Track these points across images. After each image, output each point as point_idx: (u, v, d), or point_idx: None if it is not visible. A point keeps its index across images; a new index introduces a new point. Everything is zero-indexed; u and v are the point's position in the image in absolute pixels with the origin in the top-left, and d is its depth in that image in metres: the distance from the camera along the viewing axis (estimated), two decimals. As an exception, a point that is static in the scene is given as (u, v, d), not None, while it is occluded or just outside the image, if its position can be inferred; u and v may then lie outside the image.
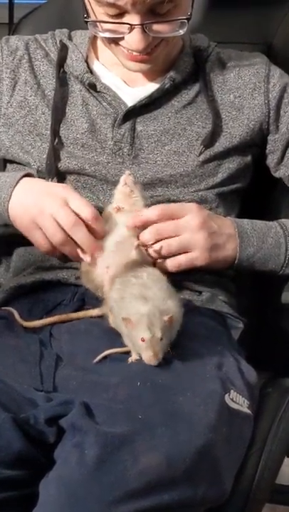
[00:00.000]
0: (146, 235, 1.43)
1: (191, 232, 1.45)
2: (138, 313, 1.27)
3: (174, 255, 1.45)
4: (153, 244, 1.43)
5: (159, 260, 1.45)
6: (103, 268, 1.41)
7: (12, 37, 1.67)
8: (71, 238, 1.40)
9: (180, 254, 1.46)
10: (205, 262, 1.47)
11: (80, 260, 1.43)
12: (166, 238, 1.44)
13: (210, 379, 1.30)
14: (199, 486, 1.17)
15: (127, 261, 1.40)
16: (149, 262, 1.43)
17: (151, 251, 1.44)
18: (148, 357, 1.26)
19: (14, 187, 1.46)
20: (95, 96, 1.58)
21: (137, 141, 1.56)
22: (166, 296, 1.31)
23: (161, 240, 1.44)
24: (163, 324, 1.26)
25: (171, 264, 1.45)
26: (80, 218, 1.40)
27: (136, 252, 1.41)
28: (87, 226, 1.40)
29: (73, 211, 1.40)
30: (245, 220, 1.55)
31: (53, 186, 1.47)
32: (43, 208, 1.41)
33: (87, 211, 1.40)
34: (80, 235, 1.40)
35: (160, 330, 1.26)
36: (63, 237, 1.40)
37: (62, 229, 1.39)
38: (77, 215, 1.40)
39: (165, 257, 1.45)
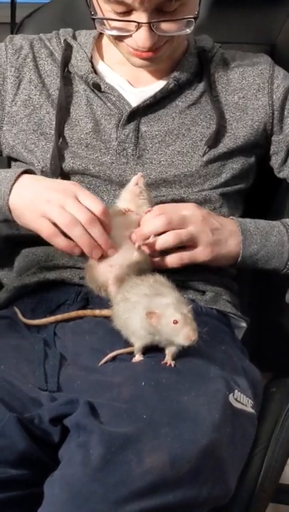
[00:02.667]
0: (157, 223, 1.43)
1: (196, 225, 1.46)
2: (161, 304, 1.27)
3: (175, 251, 1.45)
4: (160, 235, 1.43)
5: (156, 258, 1.44)
6: (106, 267, 1.41)
7: (16, 36, 1.67)
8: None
9: (182, 249, 1.46)
10: (208, 257, 1.47)
11: (82, 254, 1.40)
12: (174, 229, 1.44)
13: (214, 379, 1.30)
14: (204, 485, 1.17)
15: (130, 262, 1.40)
16: (151, 262, 1.43)
17: (157, 242, 1.43)
18: (187, 333, 1.25)
19: (15, 181, 1.44)
20: (100, 96, 1.58)
21: (141, 141, 1.57)
22: (179, 295, 1.31)
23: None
24: (189, 309, 1.26)
25: (173, 259, 1.45)
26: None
27: (138, 252, 1.41)
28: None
29: (83, 205, 1.38)
30: (248, 219, 1.55)
31: (62, 182, 1.46)
32: (50, 199, 1.39)
33: (97, 206, 1.39)
34: (96, 231, 1.38)
35: (189, 312, 1.26)
36: (71, 218, 1.36)
37: (71, 213, 1.37)
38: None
39: (168, 252, 1.44)
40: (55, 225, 1.38)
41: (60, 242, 1.39)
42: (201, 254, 1.47)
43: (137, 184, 1.46)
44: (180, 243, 1.45)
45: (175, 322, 1.25)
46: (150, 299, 1.29)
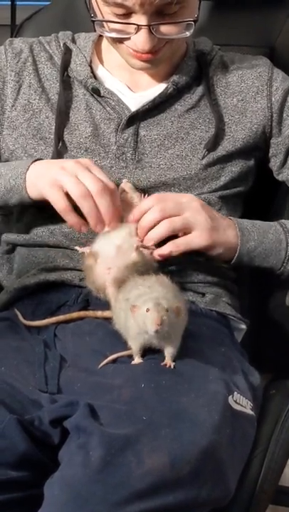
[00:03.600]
0: (152, 212, 1.43)
1: (193, 211, 1.46)
2: (144, 298, 1.28)
3: (173, 238, 1.45)
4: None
5: (156, 254, 1.44)
6: (104, 270, 1.42)
7: (16, 39, 1.67)
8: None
9: (179, 236, 1.46)
10: (205, 242, 1.46)
11: (88, 227, 1.43)
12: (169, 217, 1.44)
13: (213, 380, 1.30)
14: (203, 486, 1.17)
15: (128, 263, 1.40)
16: (150, 263, 1.43)
17: (152, 234, 1.43)
18: (151, 319, 1.25)
19: (32, 162, 1.49)
20: (99, 101, 1.58)
21: (140, 145, 1.57)
22: (173, 296, 1.31)
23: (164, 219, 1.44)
24: (169, 306, 1.26)
25: (168, 246, 1.44)
26: None
27: (136, 253, 1.41)
28: None
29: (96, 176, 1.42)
30: (245, 219, 1.55)
31: (70, 160, 1.48)
32: (64, 166, 1.43)
33: (108, 180, 1.43)
34: (104, 202, 1.41)
35: (166, 304, 1.26)
36: (84, 189, 1.40)
37: (83, 184, 1.40)
38: None
39: (165, 241, 1.44)
40: (67, 195, 1.41)
41: (71, 218, 1.43)
42: (197, 238, 1.46)
43: (123, 191, 1.47)
44: (174, 231, 1.44)
45: (147, 310, 1.26)
46: (138, 297, 1.30)
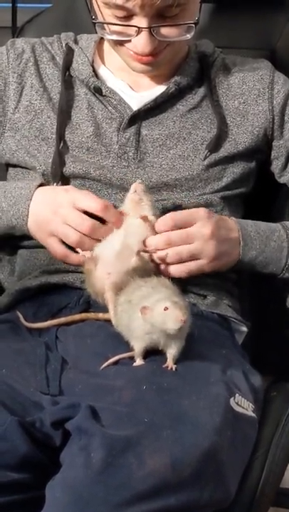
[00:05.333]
0: (157, 243, 1.44)
1: (202, 241, 1.46)
2: (153, 299, 1.28)
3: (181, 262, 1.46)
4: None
5: (162, 266, 1.45)
6: (104, 274, 1.42)
7: (18, 39, 1.67)
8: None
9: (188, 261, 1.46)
10: (212, 269, 1.48)
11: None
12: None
13: (215, 383, 1.30)
14: (205, 488, 1.17)
15: (128, 268, 1.40)
16: (151, 268, 1.43)
17: (157, 257, 1.44)
18: (176, 315, 1.25)
19: (31, 200, 1.51)
20: (101, 100, 1.58)
21: (142, 145, 1.57)
22: (178, 296, 1.31)
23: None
24: (185, 302, 1.28)
25: (180, 270, 1.45)
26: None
27: (137, 258, 1.41)
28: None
29: (84, 211, 1.44)
30: (250, 222, 1.55)
31: (58, 194, 1.49)
32: (52, 218, 1.47)
33: (95, 205, 1.45)
34: (100, 235, 1.44)
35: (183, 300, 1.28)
36: (77, 236, 1.44)
37: (75, 229, 1.44)
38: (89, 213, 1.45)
39: (172, 264, 1.45)
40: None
41: (73, 260, 1.48)
42: (206, 266, 1.47)
43: (135, 191, 1.47)
44: (180, 260, 1.45)
45: (166, 309, 1.26)
46: (145, 297, 1.30)
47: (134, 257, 1.41)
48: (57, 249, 1.48)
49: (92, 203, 1.45)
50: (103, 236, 1.44)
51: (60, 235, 1.46)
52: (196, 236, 1.45)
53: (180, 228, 1.45)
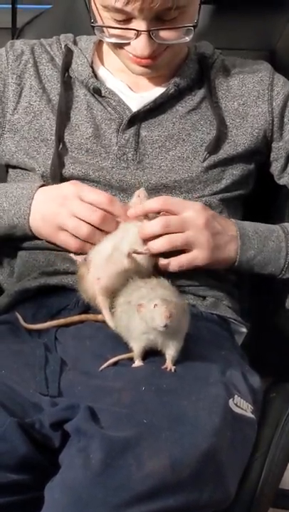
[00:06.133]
0: (154, 226, 1.44)
1: (196, 230, 1.46)
2: (150, 298, 1.28)
3: (174, 254, 1.46)
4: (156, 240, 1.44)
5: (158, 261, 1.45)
6: (94, 279, 1.41)
7: (17, 41, 1.67)
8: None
9: (182, 252, 1.46)
10: (206, 261, 1.48)
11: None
12: (172, 233, 1.45)
13: (214, 384, 1.30)
14: (204, 489, 1.17)
15: (119, 271, 1.40)
16: (144, 270, 1.43)
17: (152, 246, 1.43)
18: (161, 312, 1.25)
19: (32, 199, 1.50)
20: (100, 101, 1.59)
21: (142, 146, 1.57)
22: (176, 296, 1.32)
23: (166, 234, 1.44)
24: (175, 303, 1.28)
25: (173, 263, 1.45)
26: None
27: (128, 260, 1.41)
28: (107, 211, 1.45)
29: (91, 204, 1.44)
30: (247, 223, 1.56)
31: (63, 187, 1.49)
32: (60, 211, 1.46)
33: (102, 199, 1.45)
34: (109, 226, 1.44)
35: (174, 299, 1.28)
36: (89, 229, 1.44)
37: (86, 222, 1.44)
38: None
39: (165, 255, 1.45)
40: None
41: (88, 248, 1.46)
42: (199, 258, 1.47)
43: (138, 197, 1.48)
44: (175, 248, 1.45)
45: (155, 306, 1.26)
46: (142, 297, 1.30)
47: (126, 260, 1.40)
48: (71, 242, 1.46)
49: (99, 196, 1.45)
50: (113, 229, 1.44)
51: (70, 228, 1.45)
52: (190, 224, 1.46)
53: (168, 213, 1.46)
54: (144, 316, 1.28)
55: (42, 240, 1.52)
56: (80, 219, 1.44)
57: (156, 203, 1.46)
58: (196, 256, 1.47)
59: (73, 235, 1.46)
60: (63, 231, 1.47)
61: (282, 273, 1.55)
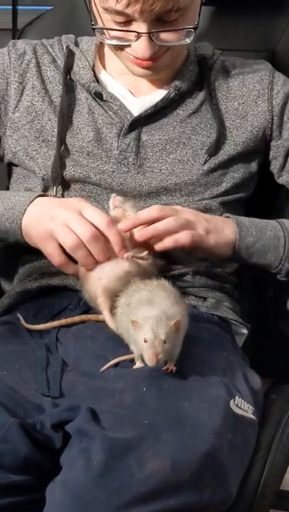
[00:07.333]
0: (151, 211, 1.44)
1: (190, 215, 1.47)
2: (145, 316, 1.27)
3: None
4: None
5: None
6: (96, 280, 1.41)
7: (19, 41, 1.67)
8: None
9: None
10: (203, 239, 1.46)
11: (90, 268, 1.42)
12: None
13: (215, 385, 1.30)
14: (205, 491, 1.17)
15: (120, 273, 1.40)
16: (147, 271, 1.43)
17: (149, 229, 1.42)
18: (148, 356, 1.25)
19: (28, 205, 1.48)
20: (101, 105, 1.58)
21: (142, 150, 1.57)
22: (173, 303, 1.31)
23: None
24: (168, 328, 1.26)
25: (169, 240, 1.43)
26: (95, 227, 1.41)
27: (128, 263, 1.41)
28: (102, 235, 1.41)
29: (88, 220, 1.40)
30: (242, 217, 1.56)
31: (67, 199, 1.48)
32: (54, 216, 1.42)
33: (102, 219, 1.40)
34: (96, 247, 1.40)
35: (164, 333, 1.25)
36: (76, 240, 1.39)
37: (75, 233, 1.40)
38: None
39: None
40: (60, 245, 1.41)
41: (67, 270, 1.44)
42: (196, 235, 1.45)
43: (115, 207, 1.47)
44: (168, 230, 1.43)
45: (145, 340, 1.25)
46: (138, 307, 1.30)
47: (126, 262, 1.40)
48: (56, 256, 1.43)
49: (99, 215, 1.41)
50: (98, 253, 1.39)
51: (58, 235, 1.41)
52: (184, 211, 1.47)
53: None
54: (137, 342, 1.28)
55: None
56: (71, 230, 1.40)
57: (153, 211, 1.45)
58: (194, 233, 1.45)
59: (61, 247, 1.42)
60: (53, 240, 1.42)
61: (282, 263, 1.54)
